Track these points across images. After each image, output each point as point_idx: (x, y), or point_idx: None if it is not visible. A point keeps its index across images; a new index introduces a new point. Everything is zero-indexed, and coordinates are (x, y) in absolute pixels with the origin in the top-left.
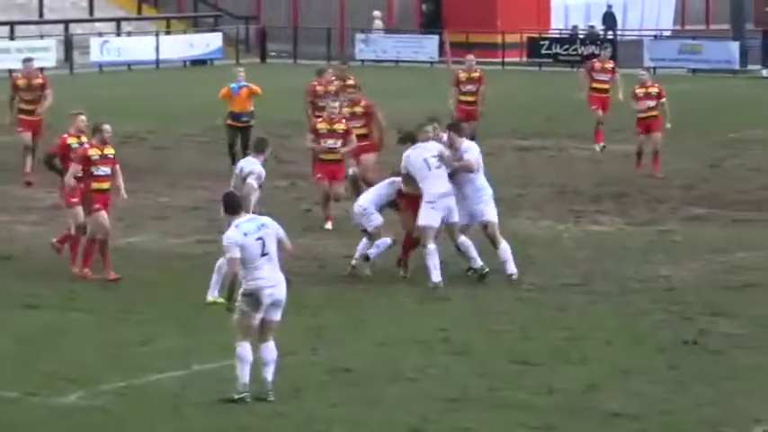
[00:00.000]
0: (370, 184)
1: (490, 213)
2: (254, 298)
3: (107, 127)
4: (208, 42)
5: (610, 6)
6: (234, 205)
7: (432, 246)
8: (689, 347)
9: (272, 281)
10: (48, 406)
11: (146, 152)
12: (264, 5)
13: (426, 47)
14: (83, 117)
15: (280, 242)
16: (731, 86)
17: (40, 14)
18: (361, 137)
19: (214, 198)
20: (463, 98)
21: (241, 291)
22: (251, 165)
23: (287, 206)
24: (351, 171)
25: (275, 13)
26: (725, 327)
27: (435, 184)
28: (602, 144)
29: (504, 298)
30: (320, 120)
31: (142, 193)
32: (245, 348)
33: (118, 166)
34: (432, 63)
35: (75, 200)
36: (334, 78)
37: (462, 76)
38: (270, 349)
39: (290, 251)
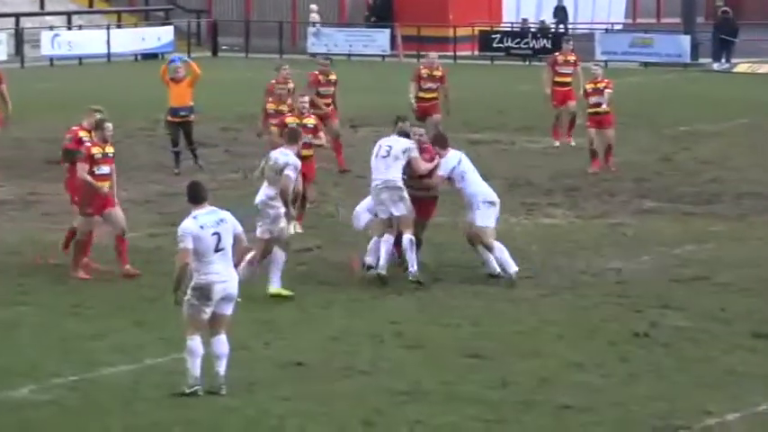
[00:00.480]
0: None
1: (478, 219)
2: (204, 292)
3: (109, 125)
4: (159, 36)
5: (560, 0)
6: (198, 195)
7: (374, 237)
8: (640, 340)
9: (224, 276)
10: None
11: None
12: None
13: (378, 40)
14: (98, 116)
15: (236, 238)
16: (682, 80)
17: None
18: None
19: (166, 192)
20: (423, 95)
21: (192, 284)
22: (285, 156)
23: (238, 200)
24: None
25: (227, 7)
26: (675, 319)
27: (373, 173)
28: (561, 142)
29: (456, 292)
30: (290, 115)
31: None
32: (195, 342)
33: (114, 165)
34: (383, 57)
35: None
36: (289, 75)
37: (424, 72)
38: (221, 342)
39: (245, 249)
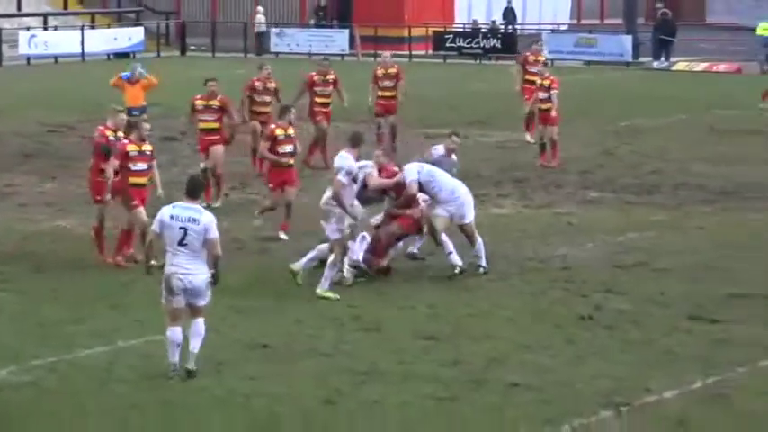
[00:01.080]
0: (219, 178)
1: (468, 215)
2: (166, 284)
3: (146, 125)
4: (130, 36)
5: (509, 2)
6: (189, 189)
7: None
8: (585, 323)
9: (183, 269)
10: None
11: (74, 141)
12: (184, 1)
13: (337, 41)
14: (123, 116)
15: (207, 243)
16: (624, 78)
17: None
18: (212, 131)
19: None
20: (381, 93)
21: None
22: (341, 160)
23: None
24: (202, 165)
25: (194, 9)
26: (618, 303)
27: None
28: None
29: (412, 279)
30: (277, 126)
31: (71, 179)
32: (172, 332)
33: (155, 162)
34: (342, 56)
35: (99, 197)
36: (270, 75)
37: (380, 72)
38: (198, 323)
39: (214, 256)
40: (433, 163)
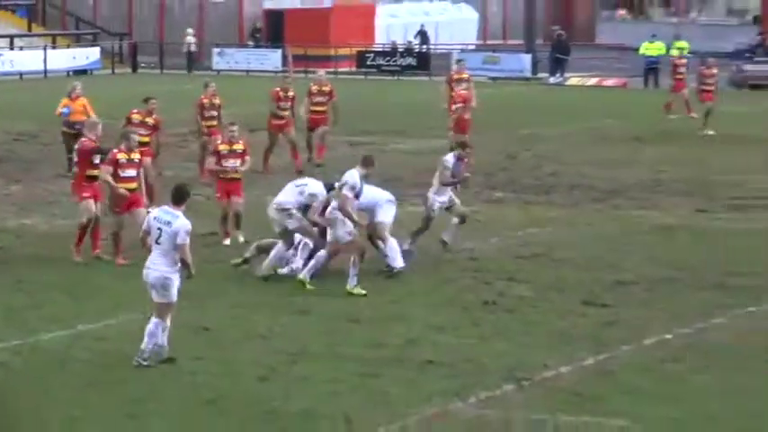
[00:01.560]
0: (150, 186)
1: (380, 215)
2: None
3: (134, 136)
4: (88, 55)
5: (423, 26)
6: (175, 196)
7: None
8: (489, 307)
9: (151, 264)
10: None
11: (37, 148)
12: (135, 24)
13: (272, 59)
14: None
15: (176, 246)
16: (525, 92)
17: None
18: (142, 144)
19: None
20: (314, 108)
21: None
22: (350, 176)
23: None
24: None
25: (144, 31)
26: (519, 290)
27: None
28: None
29: (339, 269)
30: (221, 142)
31: (34, 182)
32: (150, 322)
33: (143, 170)
34: (276, 72)
35: (86, 194)
36: (215, 92)
37: (314, 89)
38: (152, 322)
39: (184, 259)
40: (451, 168)
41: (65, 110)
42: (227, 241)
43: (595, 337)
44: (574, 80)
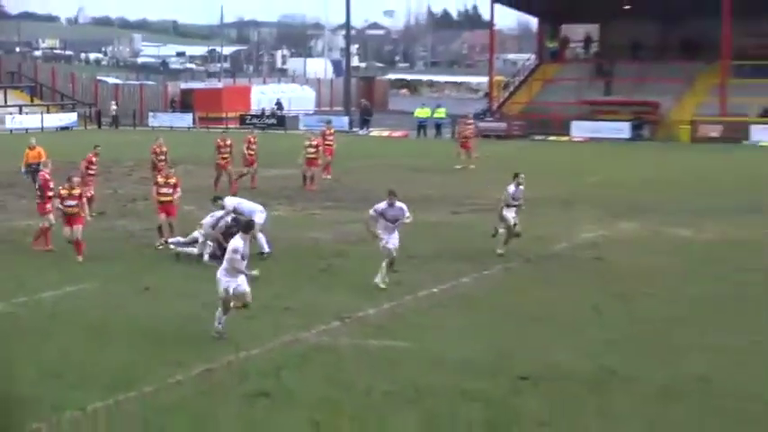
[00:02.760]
0: (90, 199)
1: (258, 218)
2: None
3: (76, 180)
4: (69, 117)
5: (279, 99)
6: (243, 227)
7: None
8: (324, 272)
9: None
10: None
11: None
12: (100, 97)
13: (185, 119)
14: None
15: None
16: (346, 140)
17: None
18: (91, 175)
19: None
20: (221, 155)
21: None
22: (379, 204)
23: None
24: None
25: (106, 101)
26: (343, 262)
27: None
28: (324, 176)
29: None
30: (159, 175)
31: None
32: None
33: (84, 200)
34: (189, 128)
35: (46, 211)
36: (162, 143)
37: (220, 142)
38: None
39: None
40: (511, 195)
41: (23, 170)
42: (158, 243)
43: (390, 290)
44: (375, 132)
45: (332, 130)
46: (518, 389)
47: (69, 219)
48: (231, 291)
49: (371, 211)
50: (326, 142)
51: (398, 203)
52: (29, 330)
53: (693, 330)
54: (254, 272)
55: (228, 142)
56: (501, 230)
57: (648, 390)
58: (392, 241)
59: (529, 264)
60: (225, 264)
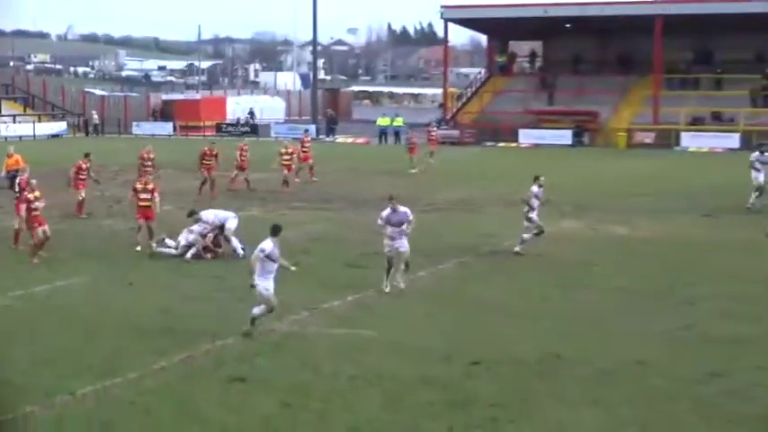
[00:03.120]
0: (80, 203)
1: (228, 224)
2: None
3: (35, 185)
4: (60, 126)
5: (252, 108)
6: (272, 231)
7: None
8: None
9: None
10: None
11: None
12: (87, 106)
13: (167, 128)
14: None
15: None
16: (315, 146)
17: None
18: (82, 180)
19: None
20: (206, 162)
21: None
22: (384, 211)
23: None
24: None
25: (92, 111)
26: (308, 258)
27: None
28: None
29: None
30: (138, 182)
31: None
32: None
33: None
34: (170, 136)
35: (19, 213)
36: (151, 149)
37: (207, 150)
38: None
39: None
40: (534, 195)
41: (2, 174)
42: (139, 248)
43: (351, 284)
44: (340, 139)
45: (309, 138)
46: (471, 373)
47: (36, 219)
48: (266, 291)
49: (379, 221)
50: (303, 149)
51: (401, 208)
52: (23, 322)
53: (630, 318)
54: (292, 267)
55: (215, 152)
56: (527, 236)
57: (590, 372)
58: (402, 246)
59: (480, 258)
60: (257, 266)
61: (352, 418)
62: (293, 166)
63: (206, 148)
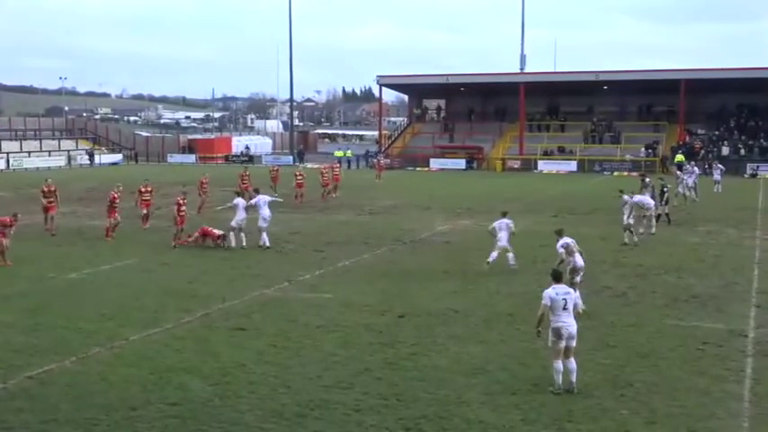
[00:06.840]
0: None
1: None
2: (556, 332)
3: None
4: (117, 157)
5: (247, 145)
6: (557, 276)
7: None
8: (242, 270)
9: (568, 323)
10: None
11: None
12: (136, 144)
13: (191, 158)
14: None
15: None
16: (293, 170)
17: None
18: (51, 203)
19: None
20: (203, 188)
21: (550, 327)
22: (565, 239)
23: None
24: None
25: (140, 147)
26: (270, 254)
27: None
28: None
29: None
30: (181, 197)
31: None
32: (557, 364)
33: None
34: (193, 164)
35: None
36: (148, 182)
37: (204, 180)
38: (571, 362)
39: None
40: (629, 201)
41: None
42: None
43: (318, 264)
44: (310, 165)
45: (339, 165)
46: (398, 323)
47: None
48: None
49: (494, 225)
50: (335, 172)
51: (505, 219)
52: (92, 290)
53: (503, 280)
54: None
55: (206, 180)
56: (635, 239)
57: (476, 320)
58: (504, 239)
59: (404, 245)
60: None
61: (318, 353)
62: (304, 185)
63: (203, 178)
